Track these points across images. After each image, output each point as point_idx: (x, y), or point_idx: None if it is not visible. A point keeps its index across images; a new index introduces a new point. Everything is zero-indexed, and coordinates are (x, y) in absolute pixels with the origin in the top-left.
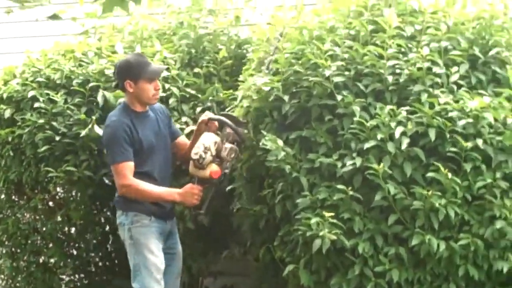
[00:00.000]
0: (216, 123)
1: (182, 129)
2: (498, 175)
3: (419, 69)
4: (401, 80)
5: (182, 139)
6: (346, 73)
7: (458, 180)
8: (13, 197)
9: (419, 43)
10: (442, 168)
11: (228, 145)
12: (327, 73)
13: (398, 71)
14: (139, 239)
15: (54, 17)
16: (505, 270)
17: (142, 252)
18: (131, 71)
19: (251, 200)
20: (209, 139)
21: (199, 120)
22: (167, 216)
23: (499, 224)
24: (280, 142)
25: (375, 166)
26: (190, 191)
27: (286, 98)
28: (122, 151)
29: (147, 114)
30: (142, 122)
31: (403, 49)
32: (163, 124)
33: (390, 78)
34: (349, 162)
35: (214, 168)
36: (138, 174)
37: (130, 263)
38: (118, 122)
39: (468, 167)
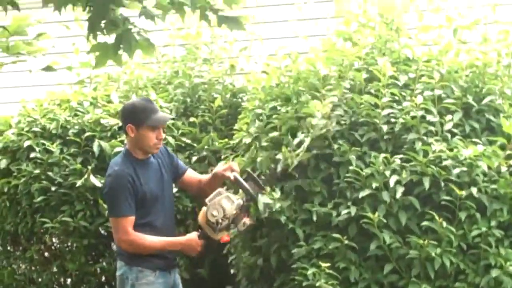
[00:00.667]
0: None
1: None
2: (493, 223)
3: (413, 117)
4: (395, 128)
5: (190, 174)
6: (342, 122)
7: (453, 229)
8: (9, 247)
9: (413, 92)
10: (436, 217)
11: (247, 221)
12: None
13: (392, 120)
14: None
15: (48, 69)
16: None
17: None
18: (134, 116)
19: (245, 250)
20: (231, 207)
21: (225, 173)
22: (171, 267)
23: (494, 273)
24: (277, 194)
25: (370, 215)
26: (193, 245)
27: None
28: (125, 205)
29: (149, 161)
30: (145, 171)
31: (397, 98)
32: (165, 168)
33: (385, 127)
34: (344, 211)
35: (225, 236)
36: (139, 226)
37: None
38: (120, 172)
39: (463, 215)
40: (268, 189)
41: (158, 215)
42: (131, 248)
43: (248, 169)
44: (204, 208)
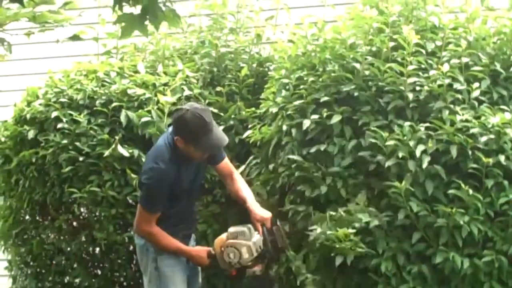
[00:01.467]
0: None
1: None
2: None
3: (440, 85)
4: (421, 97)
5: (223, 165)
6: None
7: (480, 197)
8: (37, 218)
9: (440, 60)
10: (463, 185)
11: (258, 270)
12: (348, 89)
13: (418, 88)
14: (165, 272)
15: (75, 38)
16: None
17: (167, 285)
18: (184, 134)
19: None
20: (247, 258)
21: (256, 222)
22: (189, 235)
23: None
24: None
25: (397, 184)
26: (202, 260)
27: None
28: (158, 203)
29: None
30: (186, 167)
31: (423, 66)
32: (202, 165)
33: (410, 96)
34: None
35: (233, 271)
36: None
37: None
38: (165, 172)
39: (490, 183)
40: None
41: (180, 206)
42: (147, 238)
43: (279, 223)
44: (223, 236)
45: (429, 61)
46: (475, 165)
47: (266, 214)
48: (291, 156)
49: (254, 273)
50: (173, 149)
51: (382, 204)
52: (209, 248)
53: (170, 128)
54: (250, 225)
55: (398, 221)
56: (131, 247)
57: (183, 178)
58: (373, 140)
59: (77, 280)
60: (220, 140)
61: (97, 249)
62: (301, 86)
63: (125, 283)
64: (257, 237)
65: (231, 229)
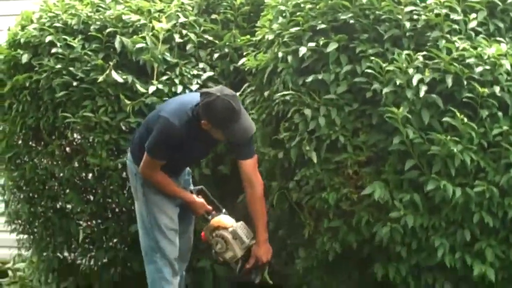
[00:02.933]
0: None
1: (198, 75)
2: None
3: (437, 15)
4: (418, 26)
5: (248, 165)
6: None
7: (475, 126)
8: (31, 142)
9: None
10: (458, 114)
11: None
12: (345, 17)
13: (415, 17)
14: (152, 198)
15: None
16: None
17: (153, 211)
18: (212, 120)
19: (266, 144)
20: (232, 255)
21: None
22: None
23: None
24: None
25: (394, 109)
26: (198, 208)
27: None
28: (162, 152)
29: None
30: (198, 139)
31: None
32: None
33: (407, 24)
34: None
35: (205, 235)
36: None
37: (138, 220)
38: (177, 130)
39: (484, 113)
40: None
41: (180, 167)
42: (150, 180)
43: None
44: (229, 222)
45: None
46: (470, 95)
47: (266, 256)
48: (285, 92)
49: (234, 265)
50: (193, 120)
51: (375, 131)
52: (208, 208)
53: (198, 97)
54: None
55: (393, 146)
56: (124, 174)
57: (193, 148)
58: (370, 66)
59: (69, 206)
60: (247, 130)
61: (90, 175)
62: (298, 13)
63: (117, 209)
64: (244, 256)
65: (239, 229)
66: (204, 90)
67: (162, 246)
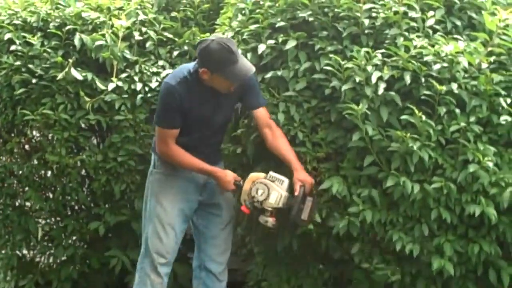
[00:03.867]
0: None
1: (158, 73)
2: (472, 119)
3: (395, 13)
4: (377, 24)
5: (262, 112)
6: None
7: (432, 123)
8: None
9: None
10: (416, 111)
11: (270, 221)
12: (304, 15)
13: (374, 14)
14: (153, 187)
15: None
16: (477, 213)
17: (152, 201)
18: (210, 64)
19: (226, 140)
20: (271, 203)
21: (296, 184)
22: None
23: (472, 168)
24: None
25: (353, 106)
26: (226, 182)
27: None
28: (167, 118)
29: (209, 88)
30: (200, 93)
31: None
32: (227, 99)
33: (366, 22)
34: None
35: (246, 208)
36: (177, 143)
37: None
38: (171, 88)
39: (442, 110)
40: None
41: (200, 140)
42: (168, 159)
43: (315, 197)
44: (261, 174)
45: None
46: (428, 92)
47: (309, 178)
48: None
49: (266, 222)
50: (192, 78)
51: (334, 128)
52: (237, 177)
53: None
54: (289, 181)
55: (352, 143)
56: (83, 171)
57: (195, 103)
58: (329, 63)
59: (28, 203)
60: (247, 69)
61: (49, 173)
62: (257, 11)
63: (76, 207)
64: (289, 194)
65: (273, 173)
66: (199, 40)
67: (148, 236)
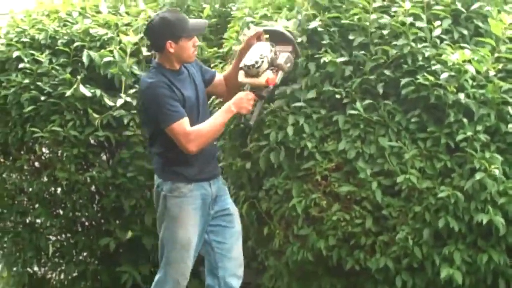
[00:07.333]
0: (266, 36)
1: None
2: (479, 128)
3: (403, 23)
4: (384, 33)
5: (219, 76)
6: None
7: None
8: None
9: None
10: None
11: (284, 54)
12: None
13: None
14: (174, 211)
15: None
16: (484, 222)
17: (173, 226)
18: (172, 31)
19: (234, 155)
20: (264, 48)
21: (248, 35)
22: (210, 177)
23: (478, 176)
24: None
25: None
26: (244, 98)
27: None
28: (171, 110)
29: (181, 71)
30: (179, 80)
31: (386, 3)
32: (196, 76)
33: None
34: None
35: (270, 75)
36: None
37: (159, 233)
38: (156, 82)
39: (450, 119)
40: None
41: (196, 123)
42: (200, 145)
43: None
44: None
45: None
46: (436, 102)
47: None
48: None
49: (292, 62)
50: (157, 68)
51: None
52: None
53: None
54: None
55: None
56: (93, 187)
57: (184, 90)
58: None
59: (38, 220)
60: (201, 22)
61: (59, 189)
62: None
63: (86, 223)
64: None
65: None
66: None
67: (170, 261)
